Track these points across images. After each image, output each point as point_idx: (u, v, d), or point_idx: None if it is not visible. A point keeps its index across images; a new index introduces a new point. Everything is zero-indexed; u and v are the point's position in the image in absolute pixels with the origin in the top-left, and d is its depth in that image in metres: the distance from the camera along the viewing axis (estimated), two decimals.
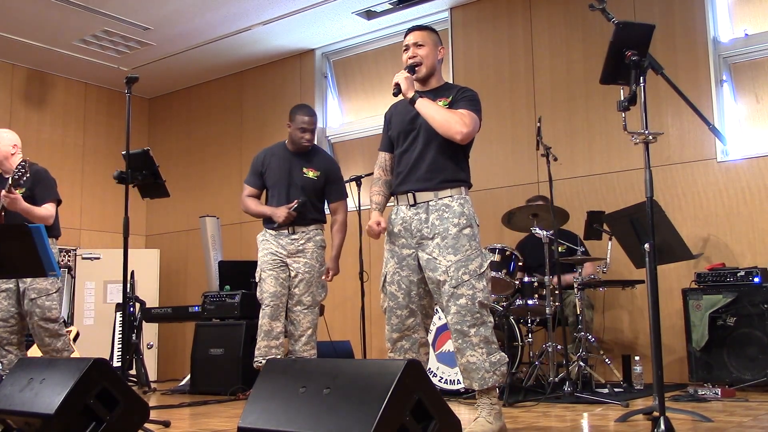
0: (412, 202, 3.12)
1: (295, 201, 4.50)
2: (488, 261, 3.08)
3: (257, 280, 4.56)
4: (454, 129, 3.04)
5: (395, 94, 3.16)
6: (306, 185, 4.61)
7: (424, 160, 3.12)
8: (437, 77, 3.27)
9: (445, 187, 3.10)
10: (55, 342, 4.49)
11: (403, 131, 3.21)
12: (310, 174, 4.64)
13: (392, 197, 3.27)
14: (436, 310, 4.36)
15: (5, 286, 4.49)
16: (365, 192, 5.93)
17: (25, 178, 4.19)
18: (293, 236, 4.56)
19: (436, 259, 3.01)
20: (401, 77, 3.11)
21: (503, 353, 3.04)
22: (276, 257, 4.51)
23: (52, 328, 4.48)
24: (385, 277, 3.17)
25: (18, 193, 4.27)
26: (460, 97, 3.17)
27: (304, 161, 4.67)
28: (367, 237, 6.39)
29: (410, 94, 3.08)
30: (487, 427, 2.95)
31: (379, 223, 3.16)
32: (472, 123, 3.09)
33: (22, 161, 4.19)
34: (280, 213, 4.49)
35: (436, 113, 3.06)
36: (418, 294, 3.12)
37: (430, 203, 3.09)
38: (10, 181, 4.21)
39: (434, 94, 3.18)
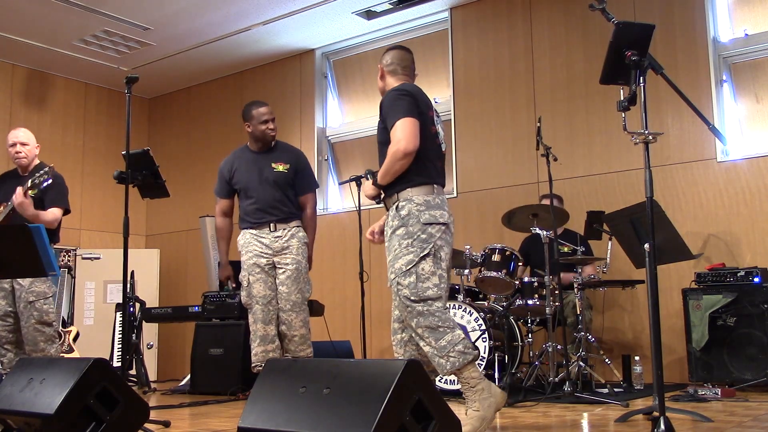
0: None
1: (232, 284, 4.64)
2: (423, 255, 3.02)
3: (244, 284, 4.45)
4: (398, 159, 3.07)
5: (379, 203, 3.33)
6: (278, 179, 4.55)
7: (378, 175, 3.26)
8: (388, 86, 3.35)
9: (393, 192, 3.19)
10: (49, 347, 4.45)
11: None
12: (280, 167, 4.58)
13: None
14: None
15: (2, 284, 4.47)
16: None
17: (45, 185, 4.20)
18: (276, 234, 4.48)
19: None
20: (364, 193, 3.41)
21: (455, 332, 2.98)
22: (262, 258, 4.45)
23: (48, 332, 4.46)
24: None
25: (30, 199, 4.28)
26: (382, 111, 3.21)
27: (272, 157, 4.62)
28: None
29: (376, 187, 3.25)
30: (475, 416, 2.91)
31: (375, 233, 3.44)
32: (402, 138, 3.05)
33: (47, 167, 4.19)
34: (221, 274, 4.66)
35: (387, 172, 3.14)
36: None
37: (390, 209, 3.22)
38: (29, 184, 4.21)
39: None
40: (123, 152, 3.89)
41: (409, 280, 3.04)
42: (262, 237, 4.47)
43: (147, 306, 6.69)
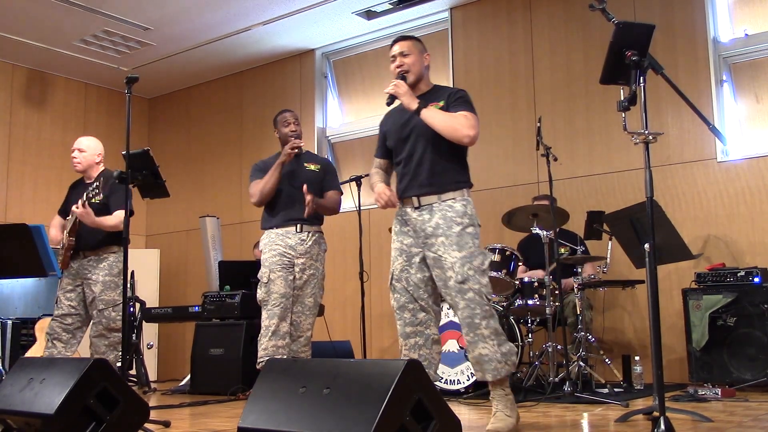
0: (416, 204, 3.22)
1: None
2: (488, 260, 3.19)
3: (264, 280, 4.41)
4: (462, 133, 3.15)
5: (389, 104, 3.31)
6: (311, 178, 4.61)
7: (424, 166, 3.22)
8: (425, 82, 3.37)
9: (448, 189, 3.20)
10: (109, 353, 4.52)
11: (400, 139, 3.32)
12: (312, 167, 4.65)
13: (398, 200, 3.33)
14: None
15: (70, 287, 4.54)
16: (365, 192, 5.94)
17: (100, 197, 4.34)
18: (301, 235, 4.50)
19: (442, 256, 3.10)
20: (401, 90, 3.20)
21: (511, 343, 3.15)
22: (285, 258, 4.46)
23: (112, 338, 4.53)
24: (393, 274, 3.25)
25: (89, 209, 4.37)
26: (453, 99, 3.25)
27: (303, 159, 4.68)
28: (367, 237, 6.43)
29: (414, 106, 3.18)
30: (507, 421, 3.05)
31: (388, 190, 3.25)
32: (476, 124, 3.19)
33: (99, 174, 4.35)
34: (288, 149, 4.46)
35: (441, 121, 3.15)
36: (427, 291, 3.21)
37: (434, 205, 3.18)
38: (84, 197, 4.33)
39: (425, 99, 3.26)
40: (123, 152, 3.89)
41: (486, 280, 3.11)
42: (288, 238, 4.47)
43: (147, 306, 6.69)
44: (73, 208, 4.36)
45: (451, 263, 3.06)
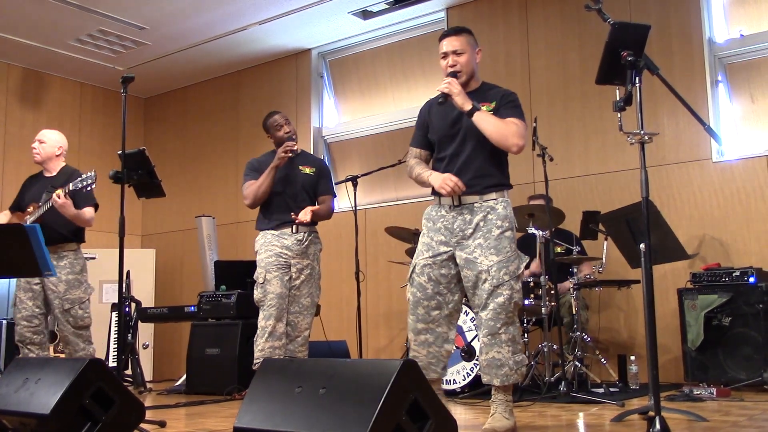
0: (456, 203, 3.16)
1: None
2: (524, 263, 3.16)
3: (260, 281, 4.44)
4: (511, 141, 3.11)
5: (441, 103, 3.16)
6: (305, 182, 4.64)
7: (471, 166, 3.17)
8: (475, 78, 3.29)
9: (491, 191, 3.17)
10: (88, 347, 4.52)
11: (446, 135, 3.24)
12: (307, 170, 4.68)
13: (433, 196, 3.28)
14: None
15: (28, 286, 4.47)
16: (361, 192, 5.94)
17: (87, 190, 4.20)
18: (297, 236, 4.51)
19: (477, 258, 3.07)
20: (455, 89, 3.12)
21: (524, 355, 3.15)
22: (281, 258, 4.47)
23: (85, 334, 4.53)
24: (414, 268, 3.20)
25: (70, 200, 4.30)
26: (505, 103, 3.20)
27: (299, 161, 4.69)
28: (363, 237, 6.43)
29: (468, 107, 3.10)
30: (504, 422, 3.05)
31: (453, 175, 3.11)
32: (525, 132, 3.15)
33: (90, 173, 4.19)
34: (281, 152, 4.46)
35: (492, 127, 3.10)
36: (448, 289, 3.16)
37: (475, 205, 3.15)
38: (70, 187, 4.20)
39: (475, 97, 3.18)
40: (119, 152, 3.88)
41: (519, 285, 3.10)
42: (284, 238, 4.49)
43: (143, 306, 6.68)
44: (54, 197, 4.25)
45: (488, 267, 3.04)
